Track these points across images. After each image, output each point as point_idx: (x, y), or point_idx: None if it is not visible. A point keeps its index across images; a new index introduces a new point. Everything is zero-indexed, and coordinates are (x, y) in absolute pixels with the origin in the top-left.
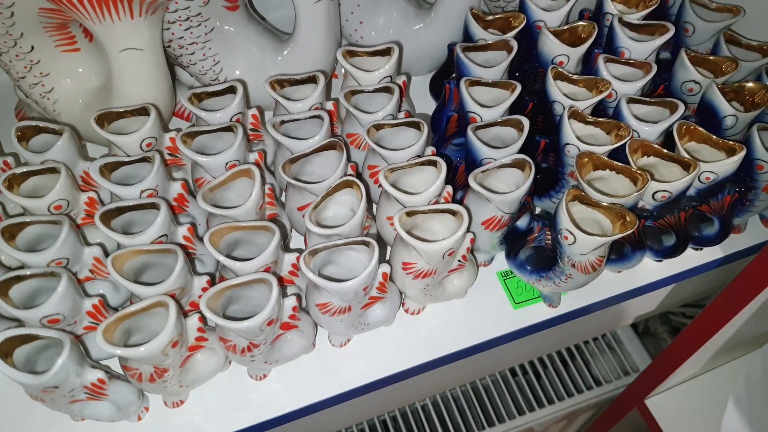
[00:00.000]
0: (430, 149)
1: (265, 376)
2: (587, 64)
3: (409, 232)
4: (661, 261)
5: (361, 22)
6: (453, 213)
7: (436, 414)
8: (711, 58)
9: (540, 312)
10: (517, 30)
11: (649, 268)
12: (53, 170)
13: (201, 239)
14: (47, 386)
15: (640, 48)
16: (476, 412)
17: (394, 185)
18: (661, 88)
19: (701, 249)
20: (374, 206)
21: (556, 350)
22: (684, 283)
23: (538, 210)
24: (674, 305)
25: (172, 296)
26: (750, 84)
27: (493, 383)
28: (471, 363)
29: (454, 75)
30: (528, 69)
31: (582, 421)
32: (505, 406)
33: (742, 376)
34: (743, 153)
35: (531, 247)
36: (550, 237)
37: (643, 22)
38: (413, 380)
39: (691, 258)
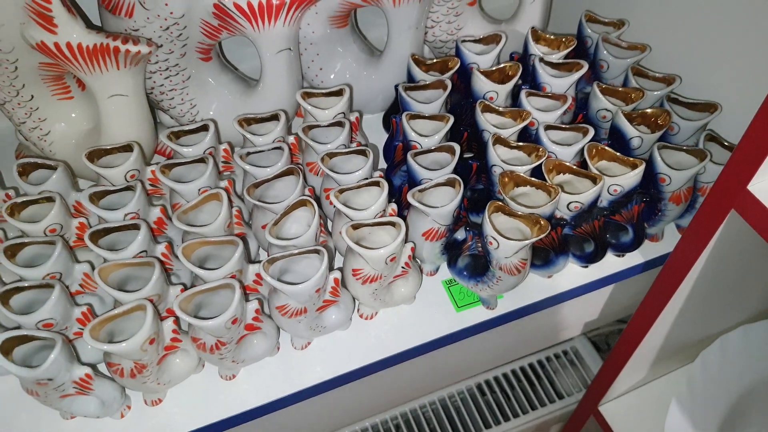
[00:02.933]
0: (378, 173)
1: (234, 376)
2: (516, 98)
3: (358, 243)
4: (586, 266)
5: (321, 69)
6: (393, 224)
7: None
8: (620, 89)
9: (480, 314)
10: (452, 72)
11: (576, 274)
12: (49, 199)
13: (177, 256)
14: (41, 378)
15: (559, 83)
16: (446, 428)
17: (345, 204)
18: (580, 116)
19: (623, 255)
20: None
21: (518, 362)
22: (622, 292)
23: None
24: (620, 315)
25: (150, 301)
26: (652, 110)
27: (462, 402)
28: (428, 365)
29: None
30: (465, 104)
31: None
32: (474, 422)
33: (684, 380)
34: (642, 167)
35: (468, 255)
36: (481, 245)
37: (563, 60)
38: (374, 382)
39: (615, 264)
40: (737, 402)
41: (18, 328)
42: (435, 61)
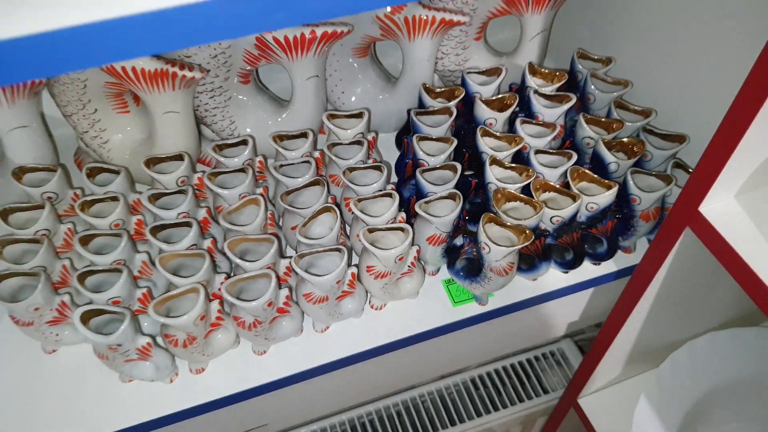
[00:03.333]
0: (390, 186)
1: (264, 352)
2: (513, 124)
3: (372, 245)
4: (567, 272)
5: (343, 92)
6: (402, 230)
7: (408, 419)
8: (603, 120)
9: (473, 309)
10: (458, 100)
11: (558, 278)
12: (114, 198)
13: (219, 251)
14: (113, 344)
15: (550, 113)
16: (442, 416)
17: (362, 211)
18: (567, 142)
19: (599, 264)
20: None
21: (509, 360)
22: (600, 297)
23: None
24: (599, 318)
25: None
26: (629, 139)
27: (458, 393)
28: (427, 352)
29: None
30: (467, 128)
31: (539, 426)
32: (467, 411)
33: (654, 378)
34: (615, 189)
35: (465, 258)
36: (476, 250)
37: (555, 93)
38: (381, 365)
39: (592, 271)
40: (701, 400)
41: (90, 303)
42: (443, 89)
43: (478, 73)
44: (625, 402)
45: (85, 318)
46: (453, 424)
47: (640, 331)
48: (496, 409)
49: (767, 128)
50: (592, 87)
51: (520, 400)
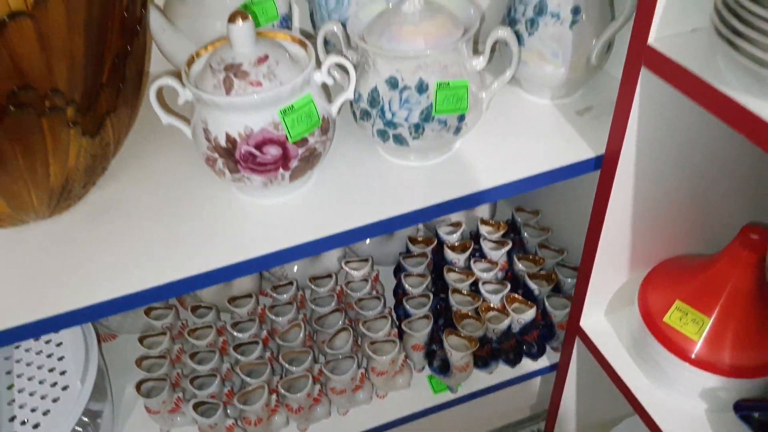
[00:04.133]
0: (387, 309)
1: (305, 429)
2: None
3: (374, 352)
4: (513, 367)
5: None
6: (394, 342)
7: None
8: (532, 256)
9: (447, 396)
10: (432, 246)
11: (506, 371)
12: (209, 326)
13: (276, 360)
14: (212, 424)
15: (495, 254)
16: None
17: (367, 329)
18: (509, 274)
19: (536, 360)
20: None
21: None
22: (548, 384)
23: None
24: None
25: (267, 383)
26: (546, 272)
27: None
28: (419, 428)
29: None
30: (439, 265)
31: None
32: None
33: None
34: (534, 309)
35: (439, 359)
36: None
37: (499, 239)
38: None
39: (532, 365)
40: None
41: (196, 397)
42: (423, 238)
43: (447, 225)
44: None
45: (195, 407)
46: None
47: (577, 408)
48: None
49: (609, 270)
50: (525, 233)
51: None
